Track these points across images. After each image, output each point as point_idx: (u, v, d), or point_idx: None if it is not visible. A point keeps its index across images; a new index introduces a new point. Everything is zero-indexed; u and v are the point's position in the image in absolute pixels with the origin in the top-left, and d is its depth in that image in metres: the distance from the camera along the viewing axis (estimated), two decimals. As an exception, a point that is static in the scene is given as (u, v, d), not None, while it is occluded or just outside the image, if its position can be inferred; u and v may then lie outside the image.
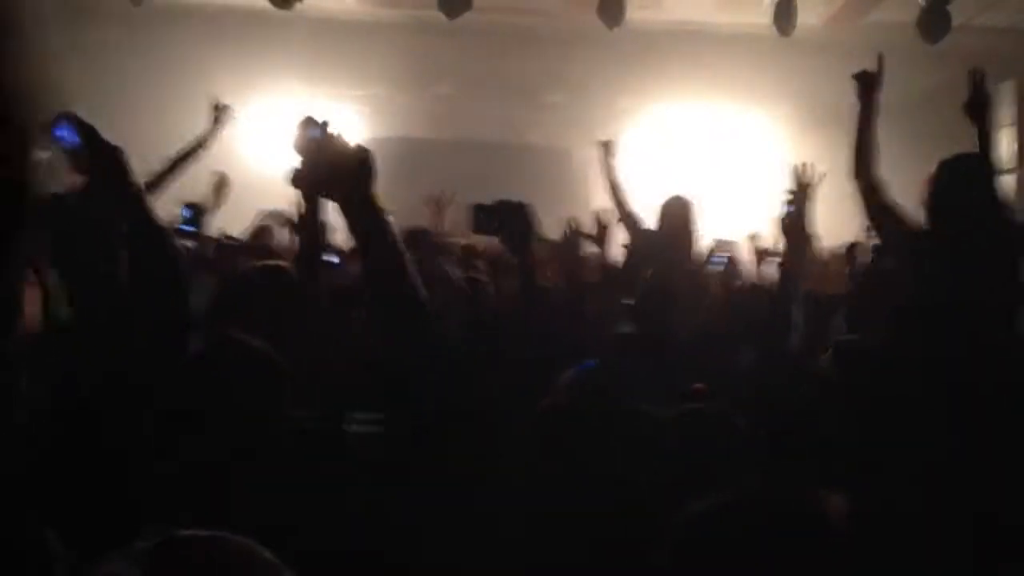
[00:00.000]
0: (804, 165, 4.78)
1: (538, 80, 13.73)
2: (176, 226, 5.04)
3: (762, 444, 2.97)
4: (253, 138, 13.72)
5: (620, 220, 7.07)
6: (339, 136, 2.40)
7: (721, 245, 6.88)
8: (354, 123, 14.21)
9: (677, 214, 6.41)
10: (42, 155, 2.53)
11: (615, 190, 7.49)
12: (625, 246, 6.83)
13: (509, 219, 3.18)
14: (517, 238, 3.21)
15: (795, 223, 4.42)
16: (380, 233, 2.37)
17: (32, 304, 2.16)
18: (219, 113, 7.54)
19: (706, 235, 7.13)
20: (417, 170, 10.50)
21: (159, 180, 6.37)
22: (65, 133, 2.53)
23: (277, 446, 2.30)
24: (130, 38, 13.09)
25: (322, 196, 2.49)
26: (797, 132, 13.78)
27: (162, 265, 2.57)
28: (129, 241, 2.57)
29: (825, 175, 4.77)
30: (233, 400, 2.29)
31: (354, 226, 2.37)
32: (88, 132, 2.57)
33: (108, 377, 2.46)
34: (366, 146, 2.42)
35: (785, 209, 4.50)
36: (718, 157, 14.17)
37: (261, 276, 4.15)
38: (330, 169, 2.33)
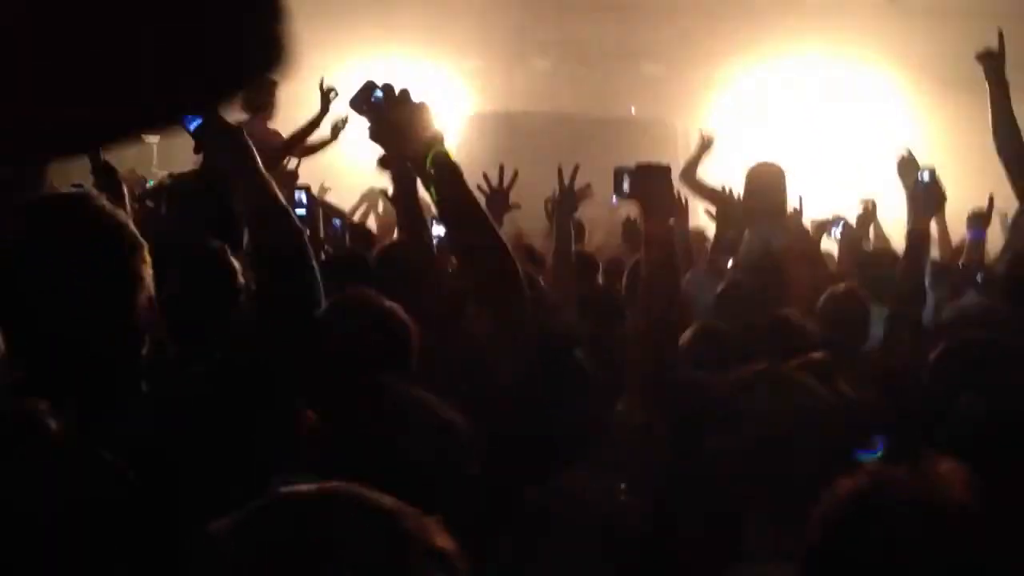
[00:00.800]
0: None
1: (636, 50, 13.52)
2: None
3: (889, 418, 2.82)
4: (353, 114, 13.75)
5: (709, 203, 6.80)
6: (404, 96, 2.47)
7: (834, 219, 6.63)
8: (453, 97, 14.18)
9: (765, 180, 6.09)
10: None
11: (698, 189, 7.26)
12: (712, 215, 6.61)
13: (650, 183, 3.06)
14: (656, 202, 3.06)
15: (928, 189, 4.26)
16: (455, 194, 2.43)
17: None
18: (326, 96, 7.56)
19: (818, 204, 6.93)
20: (517, 145, 10.40)
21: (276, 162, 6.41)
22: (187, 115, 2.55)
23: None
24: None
25: (394, 155, 2.56)
26: (914, 96, 13.36)
27: (287, 245, 2.54)
28: (252, 222, 2.59)
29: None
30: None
31: (425, 184, 2.46)
32: (210, 113, 2.55)
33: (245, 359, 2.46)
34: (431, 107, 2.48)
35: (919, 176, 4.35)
36: (827, 123, 13.78)
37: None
38: (394, 130, 2.42)
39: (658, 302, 2.99)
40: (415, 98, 2.49)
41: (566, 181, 4.77)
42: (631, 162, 7.53)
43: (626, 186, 3.15)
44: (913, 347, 3.60)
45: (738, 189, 6.36)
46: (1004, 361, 2.77)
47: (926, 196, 4.24)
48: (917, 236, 4.16)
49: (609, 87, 13.63)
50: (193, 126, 2.56)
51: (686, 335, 3.50)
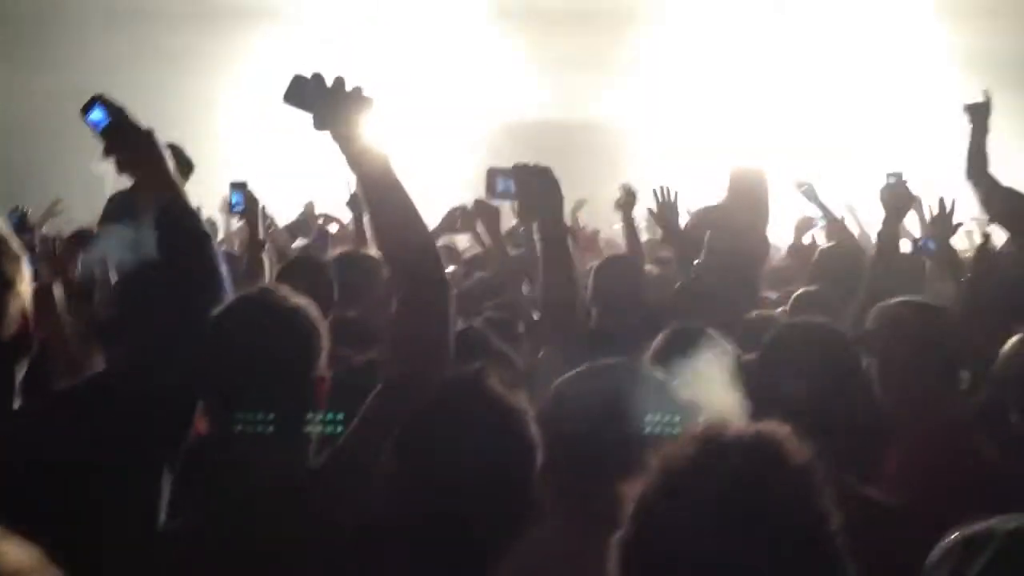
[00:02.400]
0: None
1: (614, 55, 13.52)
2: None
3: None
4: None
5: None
6: (338, 81, 2.46)
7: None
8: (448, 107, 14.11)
9: (748, 188, 5.85)
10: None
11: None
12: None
13: (528, 184, 3.07)
14: (539, 202, 3.08)
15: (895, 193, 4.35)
16: (381, 172, 2.42)
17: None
18: None
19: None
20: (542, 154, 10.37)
21: None
22: (98, 116, 2.55)
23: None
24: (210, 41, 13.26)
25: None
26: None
27: (193, 247, 2.53)
28: (159, 223, 2.54)
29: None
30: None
31: (353, 163, 2.44)
32: (119, 114, 2.56)
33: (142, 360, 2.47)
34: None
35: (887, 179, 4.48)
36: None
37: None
38: (337, 114, 2.42)
39: (555, 305, 3.06)
40: (348, 85, 2.47)
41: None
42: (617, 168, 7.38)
43: (500, 186, 3.11)
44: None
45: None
46: (826, 345, 2.79)
47: (894, 200, 4.36)
48: (886, 238, 4.30)
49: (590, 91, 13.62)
50: (101, 127, 2.55)
51: (658, 339, 3.44)
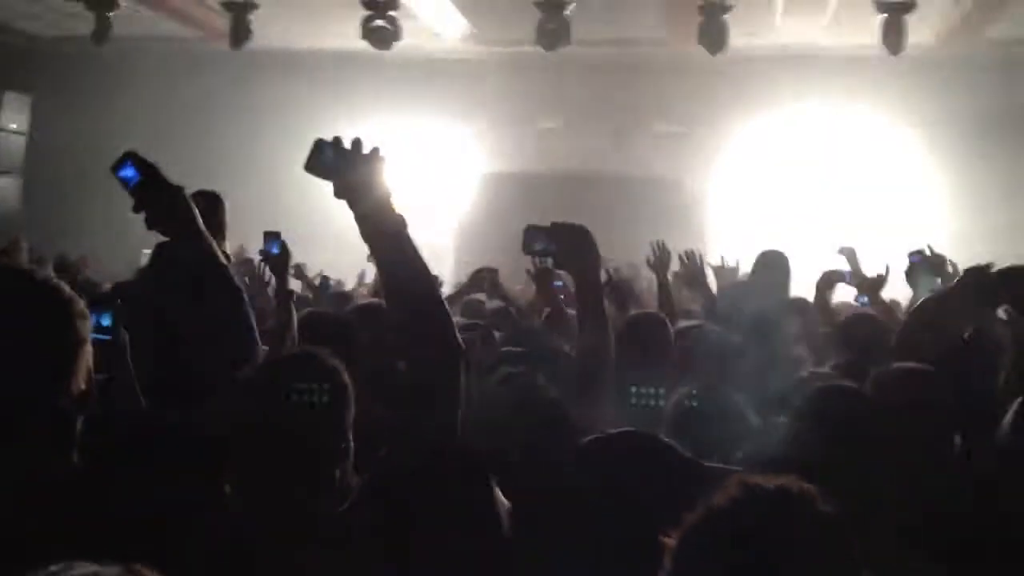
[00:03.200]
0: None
1: (645, 110, 13.66)
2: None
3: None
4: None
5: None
6: (357, 147, 2.48)
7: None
8: (464, 159, 14.35)
9: (773, 267, 6.25)
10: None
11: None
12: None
13: (565, 241, 3.09)
14: (572, 258, 3.10)
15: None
16: (395, 241, 2.44)
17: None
18: None
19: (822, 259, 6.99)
20: (528, 204, 10.47)
21: None
22: (129, 172, 2.57)
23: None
24: (230, 85, 13.45)
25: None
26: (920, 151, 13.45)
27: (224, 301, 2.56)
28: (191, 279, 2.59)
29: None
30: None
31: (367, 232, 2.45)
32: (150, 171, 2.59)
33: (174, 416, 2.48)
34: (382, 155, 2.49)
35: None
36: (836, 180, 13.87)
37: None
38: (354, 184, 2.44)
39: (595, 361, 3.06)
40: (367, 147, 2.49)
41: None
42: (646, 220, 7.57)
43: (538, 244, 3.15)
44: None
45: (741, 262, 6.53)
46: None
47: (921, 275, 4.52)
48: (918, 311, 4.28)
49: (618, 146, 13.74)
50: (133, 183, 2.56)
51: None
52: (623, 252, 8.84)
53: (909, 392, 3.08)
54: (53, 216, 13.24)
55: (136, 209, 2.57)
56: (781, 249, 6.47)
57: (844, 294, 6.72)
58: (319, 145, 2.50)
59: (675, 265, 6.59)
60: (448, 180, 14.19)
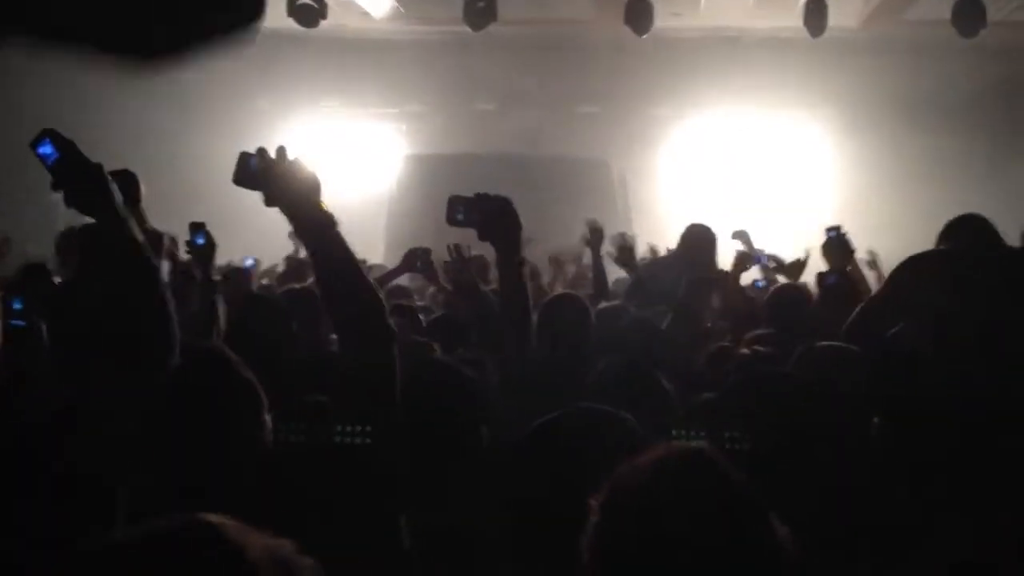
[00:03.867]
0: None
1: (573, 91, 13.74)
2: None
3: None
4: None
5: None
6: (281, 155, 2.60)
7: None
8: (392, 141, 14.31)
9: (695, 242, 6.36)
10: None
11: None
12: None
13: (487, 213, 3.13)
14: (495, 230, 3.14)
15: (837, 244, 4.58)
16: (325, 240, 2.57)
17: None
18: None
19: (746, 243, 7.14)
20: (456, 186, 10.46)
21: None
22: (47, 149, 2.58)
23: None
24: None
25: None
26: (838, 134, 13.68)
27: (141, 281, 2.58)
28: (109, 258, 2.61)
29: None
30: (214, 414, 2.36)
31: (299, 234, 2.63)
32: (68, 148, 2.60)
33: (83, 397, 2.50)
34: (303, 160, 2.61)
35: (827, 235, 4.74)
36: (757, 163, 14.09)
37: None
38: (282, 191, 2.57)
39: (516, 337, 3.10)
40: (291, 155, 2.60)
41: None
42: (570, 200, 7.64)
43: (460, 215, 3.17)
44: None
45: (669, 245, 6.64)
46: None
47: (836, 251, 4.69)
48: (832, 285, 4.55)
49: (546, 128, 13.79)
50: (52, 160, 2.57)
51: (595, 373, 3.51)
52: (553, 232, 8.92)
53: (831, 372, 3.18)
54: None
55: (55, 187, 2.58)
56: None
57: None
58: (244, 158, 2.61)
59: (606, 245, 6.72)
60: (379, 162, 14.15)
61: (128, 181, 5.68)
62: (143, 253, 2.60)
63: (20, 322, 3.09)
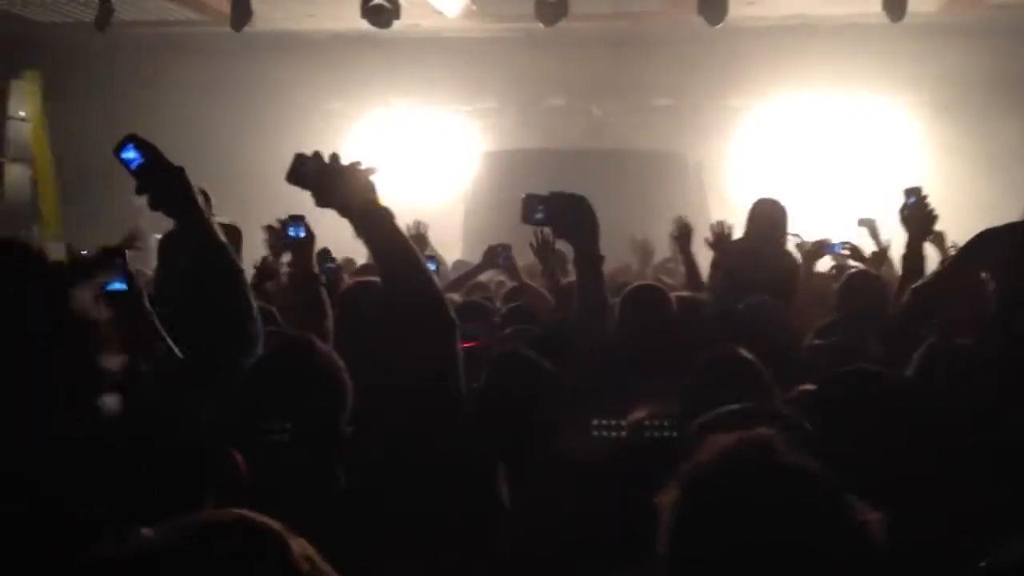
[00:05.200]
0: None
1: (645, 84, 13.67)
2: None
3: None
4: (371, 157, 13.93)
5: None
6: (334, 160, 2.68)
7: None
8: (466, 137, 14.39)
9: (765, 217, 6.24)
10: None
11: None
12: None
13: (563, 211, 3.13)
14: (571, 227, 3.15)
15: (915, 211, 4.24)
16: (383, 235, 2.63)
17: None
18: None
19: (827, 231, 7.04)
20: (532, 181, 10.49)
21: None
22: (131, 154, 2.63)
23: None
24: (232, 68, 13.49)
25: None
26: (922, 119, 13.44)
27: (223, 283, 2.64)
28: (191, 260, 2.67)
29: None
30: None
31: (359, 234, 2.67)
32: (152, 152, 2.64)
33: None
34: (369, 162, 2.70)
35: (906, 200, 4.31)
36: (836, 151, 13.87)
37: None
38: (332, 193, 2.64)
39: (591, 332, 3.09)
40: (348, 159, 2.67)
41: None
42: (646, 193, 7.58)
43: (537, 214, 3.18)
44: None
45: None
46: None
47: (915, 218, 4.23)
48: (910, 259, 4.21)
49: (621, 121, 13.76)
50: (135, 165, 2.61)
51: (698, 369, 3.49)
52: (630, 225, 8.90)
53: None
54: (64, 205, 13.30)
55: (139, 191, 2.63)
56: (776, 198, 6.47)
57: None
58: (299, 158, 2.69)
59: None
60: (455, 159, 14.23)
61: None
62: (225, 254, 2.66)
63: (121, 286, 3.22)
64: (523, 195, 3.22)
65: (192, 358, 2.60)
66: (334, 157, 2.68)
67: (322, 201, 2.65)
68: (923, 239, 4.21)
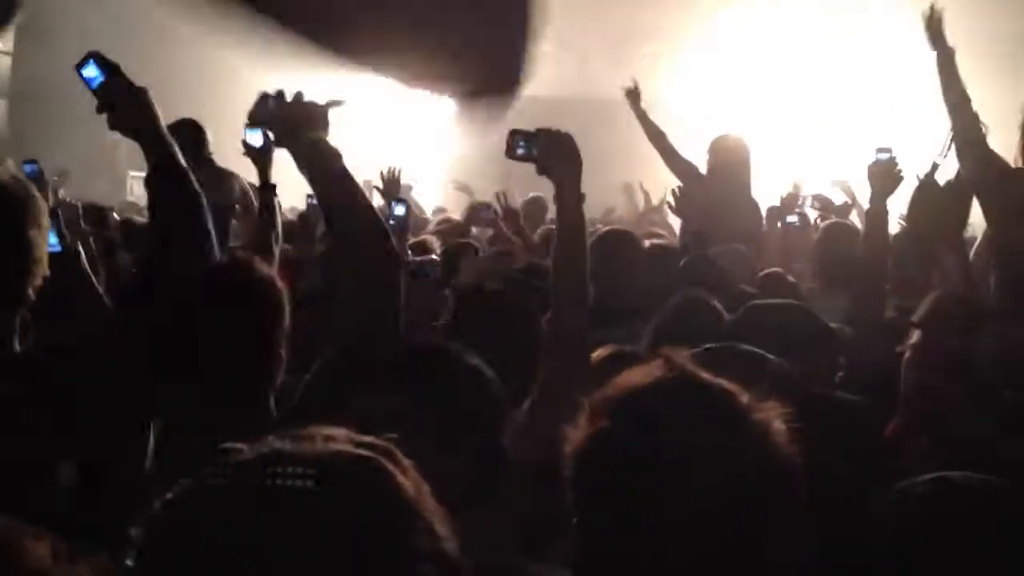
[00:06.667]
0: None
1: (633, 32, 13.55)
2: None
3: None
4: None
5: (673, 168, 6.72)
6: (298, 97, 2.70)
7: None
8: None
9: (728, 157, 6.20)
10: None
11: (655, 138, 6.97)
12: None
13: (548, 147, 3.04)
14: (555, 165, 3.03)
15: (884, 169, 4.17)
16: (327, 172, 2.62)
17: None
18: None
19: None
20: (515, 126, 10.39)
21: None
22: (92, 71, 2.59)
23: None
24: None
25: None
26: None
27: (184, 204, 2.62)
28: (151, 179, 2.63)
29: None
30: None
31: (300, 166, 2.68)
32: (114, 70, 2.61)
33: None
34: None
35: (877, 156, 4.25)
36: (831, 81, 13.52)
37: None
38: (291, 129, 2.67)
39: (569, 276, 3.00)
40: (309, 98, 2.70)
41: None
42: (629, 143, 7.48)
43: (521, 149, 3.09)
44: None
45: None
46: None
47: (882, 176, 4.16)
48: (873, 216, 4.13)
49: (607, 70, 13.64)
50: (96, 83, 2.58)
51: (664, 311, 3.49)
52: (619, 176, 8.86)
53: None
54: (39, 138, 13.10)
55: (99, 109, 2.60)
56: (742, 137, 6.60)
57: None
58: (263, 97, 2.69)
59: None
60: (439, 105, 14.08)
61: (195, 130, 5.71)
62: (186, 176, 2.64)
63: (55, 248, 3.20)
64: (509, 130, 3.16)
65: (146, 279, 2.57)
66: (298, 95, 2.66)
67: (279, 139, 2.68)
68: (885, 198, 4.11)
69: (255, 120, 2.72)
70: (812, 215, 6.83)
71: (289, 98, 2.68)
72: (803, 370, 2.65)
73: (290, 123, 2.65)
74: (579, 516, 1.51)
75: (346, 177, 2.62)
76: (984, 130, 4.28)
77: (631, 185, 8.72)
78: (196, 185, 2.66)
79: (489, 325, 2.93)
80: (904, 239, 4.53)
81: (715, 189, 6.08)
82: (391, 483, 1.05)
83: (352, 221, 2.59)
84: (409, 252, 5.07)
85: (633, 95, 7.21)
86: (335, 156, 2.63)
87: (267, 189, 4.64)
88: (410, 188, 9.18)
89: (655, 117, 7.17)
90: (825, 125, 13.21)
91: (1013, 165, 4.22)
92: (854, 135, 11.73)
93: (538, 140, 3.07)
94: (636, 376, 1.56)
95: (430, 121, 13.97)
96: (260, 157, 4.70)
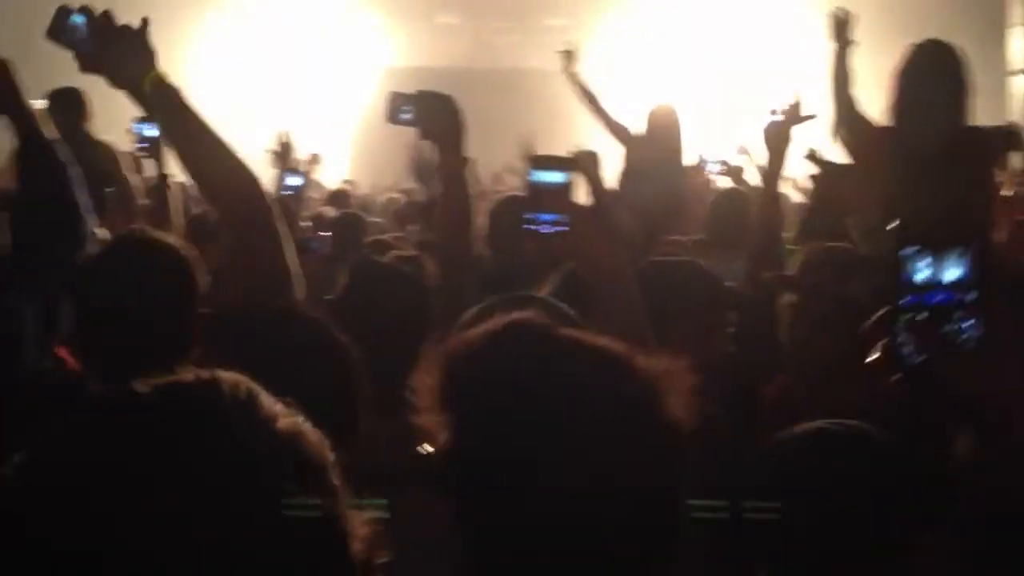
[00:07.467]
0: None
1: (538, 4, 13.54)
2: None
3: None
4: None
5: (607, 130, 6.96)
6: (108, 18, 2.32)
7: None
8: (359, 53, 14.06)
9: (664, 124, 6.36)
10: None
11: (588, 100, 7.19)
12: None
13: (430, 110, 2.98)
14: (437, 128, 2.97)
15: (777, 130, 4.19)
16: (179, 112, 2.29)
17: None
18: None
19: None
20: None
21: None
22: (79, 20, 2.34)
23: None
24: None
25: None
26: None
27: (50, 181, 2.56)
28: (19, 156, 2.58)
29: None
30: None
31: (146, 110, 2.44)
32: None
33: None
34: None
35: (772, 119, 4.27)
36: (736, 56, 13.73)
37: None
38: (107, 57, 2.30)
39: (454, 240, 2.98)
40: (121, 20, 2.33)
41: None
42: (539, 113, 7.54)
43: (403, 114, 3.01)
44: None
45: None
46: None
47: (775, 136, 4.20)
48: (765, 180, 4.21)
49: (512, 41, 13.62)
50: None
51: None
52: (518, 146, 8.86)
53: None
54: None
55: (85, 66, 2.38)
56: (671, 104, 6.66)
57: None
58: (63, 11, 2.32)
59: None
60: (346, 73, 13.91)
61: (72, 100, 5.46)
62: (50, 148, 2.60)
63: None
64: (389, 93, 3.08)
65: (18, 256, 2.51)
66: (106, 15, 2.30)
67: (88, 66, 2.30)
68: (778, 161, 4.16)
69: (55, 37, 2.27)
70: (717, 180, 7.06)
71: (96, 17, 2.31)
72: (697, 326, 2.67)
73: (113, 47, 2.26)
74: (467, 521, 1.31)
75: (203, 122, 2.29)
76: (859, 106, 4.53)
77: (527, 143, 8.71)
78: (62, 157, 2.60)
79: (378, 297, 2.81)
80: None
81: (652, 151, 6.27)
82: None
83: (217, 159, 2.29)
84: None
85: (569, 56, 7.35)
86: (181, 94, 2.30)
87: (161, 180, 4.57)
88: (319, 160, 9.04)
89: (561, 90, 7.33)
90: (729, 95, 13.35)
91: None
92: (757, 104, 11.81)
93: (419, 103, 3.01)
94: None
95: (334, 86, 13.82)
96: (157, 151, 4.51)
